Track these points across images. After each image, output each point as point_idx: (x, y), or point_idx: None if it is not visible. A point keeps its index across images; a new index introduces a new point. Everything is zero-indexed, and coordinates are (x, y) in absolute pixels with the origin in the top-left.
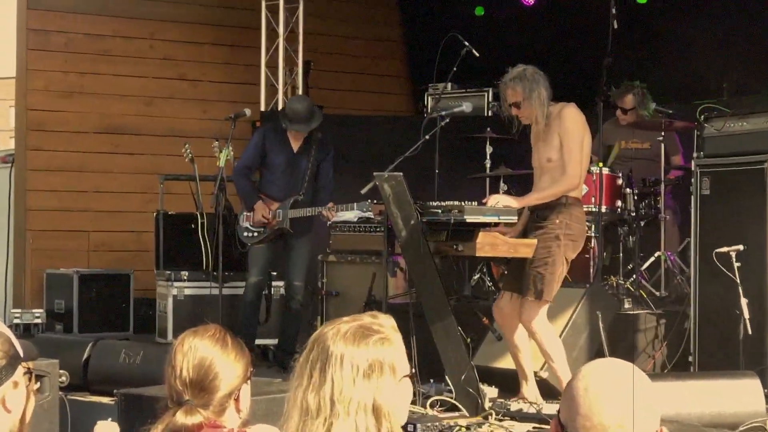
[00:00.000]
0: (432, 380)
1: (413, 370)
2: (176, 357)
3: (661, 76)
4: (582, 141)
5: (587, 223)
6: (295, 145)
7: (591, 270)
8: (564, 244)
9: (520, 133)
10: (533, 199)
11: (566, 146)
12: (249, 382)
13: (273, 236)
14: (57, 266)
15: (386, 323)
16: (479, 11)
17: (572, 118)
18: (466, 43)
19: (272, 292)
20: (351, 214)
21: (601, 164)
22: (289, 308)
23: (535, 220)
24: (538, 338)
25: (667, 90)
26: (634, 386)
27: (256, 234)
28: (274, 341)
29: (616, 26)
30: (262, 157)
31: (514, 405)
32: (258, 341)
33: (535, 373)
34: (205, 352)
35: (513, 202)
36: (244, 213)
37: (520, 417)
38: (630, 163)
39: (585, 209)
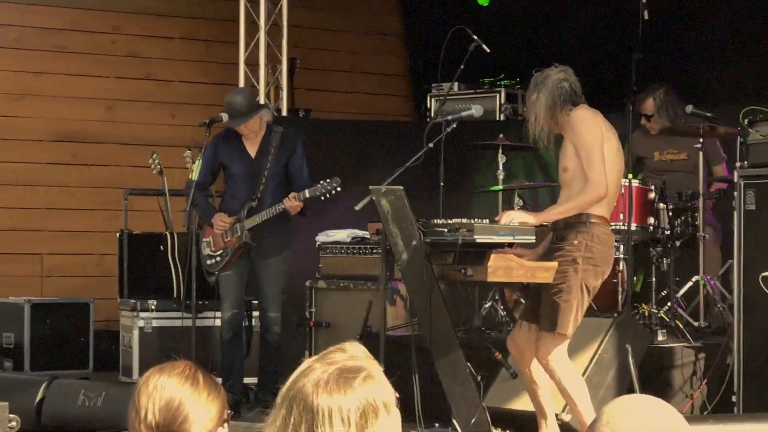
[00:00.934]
0: (437, 424)
1: (417, 413)
2: (140, 398)
3: (699, 75)
4: (599, 142)
5: (615, 243)
6: (253, 150)
7: (619, 297)
8: (583, 269)
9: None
10: (554, 213)
11: (582, 152)
12: (226, 425)
13: (237, 255)
14: (5, 294)
15: (359, 353)
16: (483, 1)
17: (581, 120)
18: (475, 37)
19: (252, 324)
20: (344, 234)
21: (630, 176)
22: (265, 342)
23: (553, 241)
24: (557, 377)
25: (707, 91)
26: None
27: (218, 259)
28: (255, 379)
29: (647, 17)
30: (215, 172)
31: None
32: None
33: (557, 416)
34: (173, 392)
35: (530, 219)
36: (204, 240)
37: None
38: (665, 175)
39: (613, 227)
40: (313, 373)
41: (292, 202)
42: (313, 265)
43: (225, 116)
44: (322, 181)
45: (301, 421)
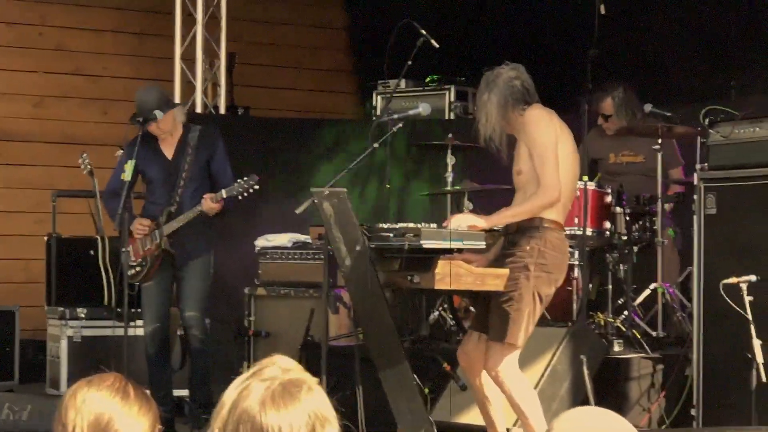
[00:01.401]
0: None
1: (361, 427)
2: (68, 413)
3: (656, 73)
4: (553, 144)
5: (570, 249)
6: (169, 152)
7: (574, 305)
8: (535, 275)
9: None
10: (505, 216)
11: (535, 154)
12: None
13: (157, 264)
14: None
15: (292, 365)
16: None
17: (535, 120)
18: (423, 32)
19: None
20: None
21: (586, 178)
22: (188, 350)
23: (505, 246)
24: (507, 389)
25: (664, 89)
26: None
27: (139, 269)
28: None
29: (603, 11)
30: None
31: None
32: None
33: (508, 430)
34: (103, 406)
35: (479, 222)
36: (124, 249)
37: None
38: (620, 178)
39: (567, 232)
40: (253, 391)
41: (209, 204)
42: (252, 272)
43: (159, 114)
44: (239, 180)
45: None
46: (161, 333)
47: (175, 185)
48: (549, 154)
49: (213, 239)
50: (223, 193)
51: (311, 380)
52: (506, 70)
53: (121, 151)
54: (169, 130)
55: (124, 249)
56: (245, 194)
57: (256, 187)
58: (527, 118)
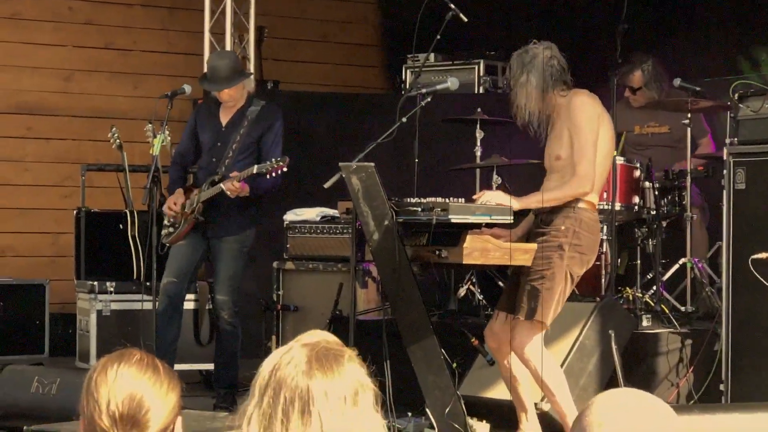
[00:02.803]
0: (410, 413)
1: (389, 402)
2: (99, 388)
3: (686, 46)
4: (595, 135)
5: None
6: (225, 119)
7: (602, 280)
8: (569, 256)
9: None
10: (535, 201)
11: (576, 142)
12: (180, 417)
13: (189, 227)
14: None
15: (330, 337)
16: None
17: (582, 107)
18: (452, 6)
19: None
20: (313, 213)
21: (615, 153)
22: (216, 329)
23: (538, 224)
24: (533, 367)
25: (694, 62)
26: (659, 419)
27: (171, 230)
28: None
29: None
30: (196, 140)
31: None
32: (200, 366)
33: (535, 405)
34: (135, 382)
35: (510, 201)
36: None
37: None
38: (647, 151)
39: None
40: (297, 356)
41: (231, 185)
42: (281, 246)
43: (188, 88)
44: (271, 159)
45: (294, 403)
46: (174, 289)
47: (224, 154)
48: (590, 145)
49: (254, 218)
50: (254, 169)
51: (350, 350)
52: (541, 49)
53: (150, 126)
54: (237, 98)
55: (151, 219)
56: (273, 174)
57: (285, 168)
58: (573, 104)
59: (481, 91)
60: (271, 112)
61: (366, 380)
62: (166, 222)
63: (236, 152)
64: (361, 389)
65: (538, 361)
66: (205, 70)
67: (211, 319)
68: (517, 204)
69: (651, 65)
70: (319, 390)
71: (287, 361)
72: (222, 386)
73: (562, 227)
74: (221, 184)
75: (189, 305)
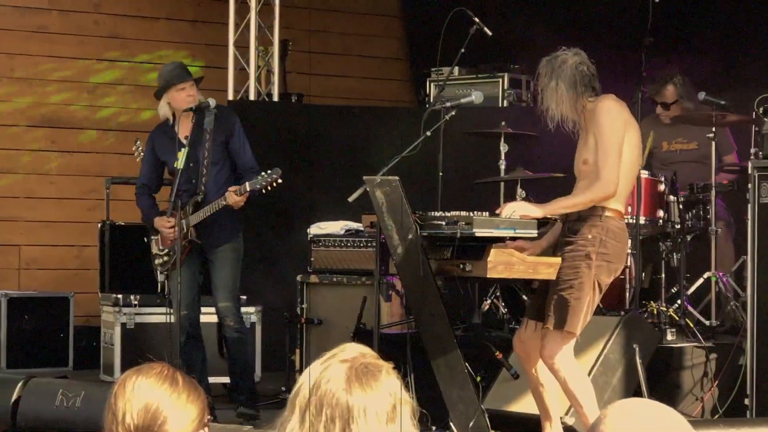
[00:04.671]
0: (434, 427)
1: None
2: (117, 401)
3: (710, 61)
4: (620, 140)
5: None
6: (183, 134)
7: (627, 294)
8: (596, 265)
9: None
10: (559, 207)
11: (600, 146)
12: (206, 429)
13: (185, 253)
14: None
15: (366, 350)
16: None
17: (608, 112)
18: (476, 20)
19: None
20: (337, 226)
21: (641, 163)
22: (224, 338)
23: (565, 234)
24: (561, 377)
25: (718, 77)
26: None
27: (166, 259)
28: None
29: (657, 0)
30: (158, 170)
31: None
32: (224, 379)
33: (561, 419)
34: (152, 394)
35: (533, 211)
36: (152, 237)
37: None
38: (674, 167)
39: None
40: (336, 372)
41: (233, 198)
42: (305, 259)
43: (212, 102)
44: (262, 173)
45: (335, 421)
46: (189, 320)
47: (198, 173)
48: (614, 150)
49: (240, 223)
50: (247, 186)
51: (387, 364)
52: (570, 55)
53: (139, 142)
54: (193, 100)
55: (152, 237)
56: (269, 188)
57: (280, 181)
58: (600, 109)
59: (505, 104)
60: (226, 117)
61: (403, 394)
62: (157, 251)
63: (209, 167)
64: (399, 404)
65: (568, 371)
66: (159, 83)
67: (218, 333)
68: (540, 211)
69: (680, 78)
70: (359, 407)
71: (327, 378)
72: (241, 395)
73: (589, 236)
74: (222, 201)
75: (212, 318)
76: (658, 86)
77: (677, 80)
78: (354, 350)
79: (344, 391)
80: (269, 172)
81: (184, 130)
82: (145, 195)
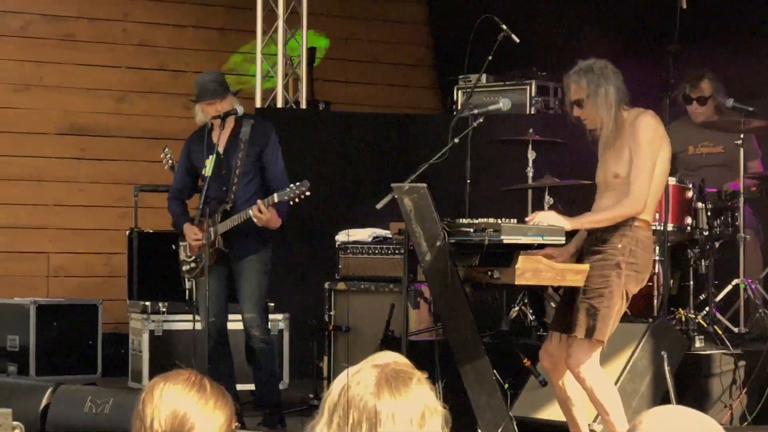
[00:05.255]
0: None
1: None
2: (145, 407)
3: (737, 67)
4: (655, 157)
5: None
6: (221, 146)
7: (655, 301)
8: (626, 274)
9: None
10: (588, 221)
11: (636, 162)
12: None
13: (212, 260)
14: (10, 294)
15: (401, 359)
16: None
17: (648, 128)
18: (504, 27)
19: None
20: (365, 234)
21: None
22: (250, 349)
23: (593, 242)
24: (588, 386)
25: (745, 83)
26: None
27: (193, 265)
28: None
29: (684, 6)
30: (192, 176)
31: None
32: (251, 386)
33: (588, 426)
34: (179, 400)
35: (562, 222)
36: (180, 244)
37: None
38: (700, 171)
39: None
40: (366, 377)
41: (257, 212)
42: (333, 266)
43: (240, 109)
44: (291, 185)
45: (362, 424)
46: (216, 327)
47: (229, 181)
48: (648, 167)
49: (270, 235)
50: (275, 197)
51: (419, 373)
52: (604, 62)
53: (168, 149)
54: (241, 108)
55: (181, 243)
56: (296, 200)
57: (308, 193)
58: (639, 123)
59: (532, 111)
60: (263, 128)
61: (434, 403)
62: (184, 257)
63: (240, 177)
64: (428, 412)
65: (594, 380)
66: (195, 91)
67: (246, 340)
68: (569, 224)
69: (712, 74)
70: (387, 411)
71: (357, 381)
72: (265, 406)
73: (619, 245)
74: (249, 211)
75: (240, 325)
76: (693, 81)
77: (710, 75)
78: (388, 357)
79: (372, 395)
80: (297, 184)
81: (221, 137)
82: (176, 200)
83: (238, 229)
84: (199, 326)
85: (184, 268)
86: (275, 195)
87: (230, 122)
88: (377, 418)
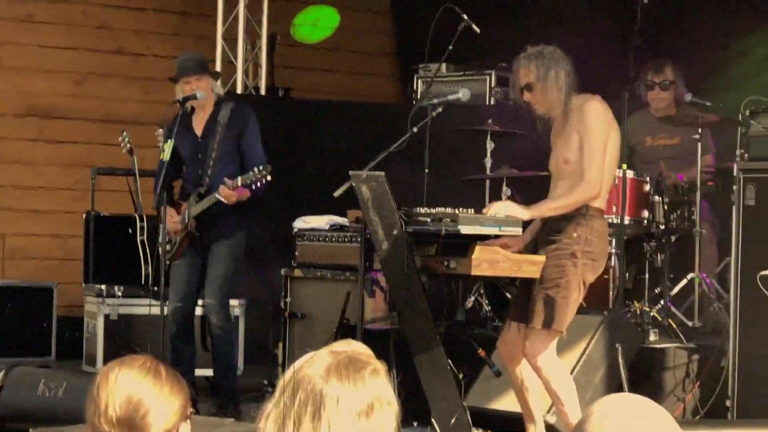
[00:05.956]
0: (416, 423)
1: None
2: (100, 392)
3: (697, 62)
4: (605, 141)
5: (608, 238)
6: (199, 128)
7: (610, 294)
8: (582, 263)
9: (534, 130)
10: (546, 209)
11: (587, 147)
12: (188, 421)
13: (185, 244)
14: None
15: (364, 349)
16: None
17: (595, 113)
18: (464, 17)
19: None
20: (322, 221)
21: (624, 166)
22: (210, 334)
23: (548, 232)
24: (545, 376)
25: (704, 79)
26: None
27: (169, 248)
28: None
29: (646, 0)
30: (177, 154)
31: None
32: (207, 372)
33: (542, 417)
34: (134, 385)
35: (520, 212)
36: (162, 225)
37: None
38: (656, 163)
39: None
40: (320, 360)
41: (226, 192)
42: (289, 253)
43: (200, 94)
44: (255, 168)
45: (307, 405)
46: (182, 312)
47: (205, 165)
48: (600, 151)
49: (245, 221)
50: (239, 180)
51: (379, 365)
52: (554, 48)
53: (161, 130)
54: (203, 91)
55: (162, 225)
56: (258, 184)
57: (269, 177)
58: (587, 109)
59: (492, 102)
60: (242, 112)
61: (388, 397)
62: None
63: (216, 161)
64: (378, 404)
65: (551, 370)
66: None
67: (202, 326)
68: (527, 214)
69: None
70: (332, 395)
71: (311, 363)
72: (220, 393)
73: (575, 234)
74: (216, 194)
75: (197, 311)
76: (658, 65)
77: (671, 63)
78: (349, 346)
79: (321, 378)
80: (260, 168)
81: (198, 121)
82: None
83: (211, 212)
84: (158, 311)
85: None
86: (239, 178)
87: (209, 106)
88: (322, 401)
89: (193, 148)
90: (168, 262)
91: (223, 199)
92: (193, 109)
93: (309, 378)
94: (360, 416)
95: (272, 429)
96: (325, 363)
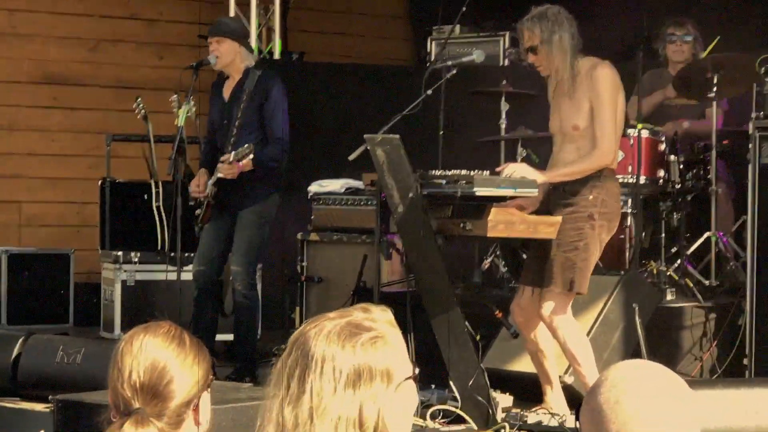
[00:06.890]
0: (433, 386)
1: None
2: (124, 358)
3: (710, 22)
4: (616, 109)
5: (622, 198)
6: (227, 94)
7: (627, 254)
8: (599, 224)
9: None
10: (560, 174)
11: (600, 116)
12: (209, 389)
13: (208, 210)
14: None
15: (380, 317)
16: None
17: (606, 80)
18: None
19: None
20: (338, 184)
21: (640, 125)
22: (233, 301)
23: (561, 195)
24: (561, 336)
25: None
26: (675, 396)
27: (198, 212)
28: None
29: None
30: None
31: (532, 416)
32: (225, 336)
33: (559, 377)
34: (159, 353)
35: (534, 174)
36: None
37: (539, 430)
38: (669, 123)
39: (620, 180)
40: (324, 321)
41: (224, 168)
42: (305, 217)
43: (213, 59)
44: (240, 147)
45: (296, 365)
46: (203, 276)
47: (229, 132)
48: (612, 120)
49: (272, 188)
50: (231, 156)
51: (388, 334)
52: (559, 8)
53: (176, 96)
54: (224, 56)
55: (190, 189)
56: (242, 160)
57: (251, 156)
58: (598, 75)
59: (506, 63)
60: (266, 80)
61: (384, 369)
62: (192, 203)
63: (239, 129)
64: (367, 375)
65: (568, 331)
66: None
67: (220, 289)
68: (541, 177)
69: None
70: (318, 356)
71: (314, 325)
72: (239, 359)
73: (590, 197)
74: (218, 171)
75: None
76: (679, 20)
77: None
78: (366, 312)
79: (313, 338)
80: (246, 146)
81: (228, 87)
82: (207, 143)
83: (239, 181)
84: (173, 277)
85: (196, 213)
86: (232, 153)
87: (238, 73)
88: (308, 363)
89: (221, 114)
90: (199, 226)
91: (223, 175)
92: (227, 75)
93: (304, 340)
94: (342, 384)
95: (272, 388)
96: (326, 326)
